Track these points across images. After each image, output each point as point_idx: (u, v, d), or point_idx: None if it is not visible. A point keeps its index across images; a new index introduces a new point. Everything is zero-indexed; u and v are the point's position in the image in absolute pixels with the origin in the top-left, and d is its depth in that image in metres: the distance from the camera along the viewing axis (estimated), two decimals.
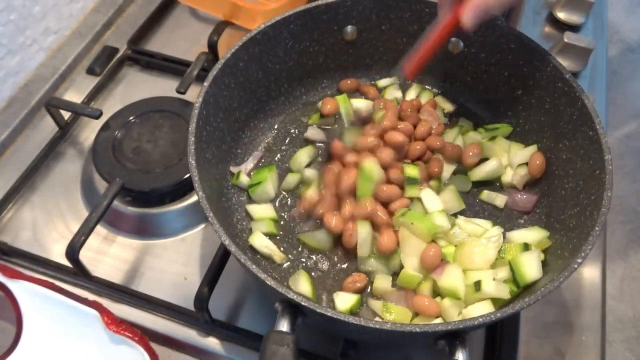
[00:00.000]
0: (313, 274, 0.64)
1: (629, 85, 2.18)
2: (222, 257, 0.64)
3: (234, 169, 0.71)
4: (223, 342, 0.65)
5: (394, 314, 0.59)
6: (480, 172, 0.71)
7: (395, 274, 0.63)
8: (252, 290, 0.68)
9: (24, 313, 0.63)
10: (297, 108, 0.79)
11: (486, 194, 0.70)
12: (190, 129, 0.60)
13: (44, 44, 0.90)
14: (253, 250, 0.66)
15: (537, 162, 0.69)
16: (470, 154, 0.71)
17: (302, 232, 0.67)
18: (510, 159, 0.72)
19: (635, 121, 2.06)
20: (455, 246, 0.63)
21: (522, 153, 0.71)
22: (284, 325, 0.49)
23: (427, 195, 0.67)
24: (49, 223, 0.74)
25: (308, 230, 0.67)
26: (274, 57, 0.72)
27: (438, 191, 0.68)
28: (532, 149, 0.71)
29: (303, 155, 0.73)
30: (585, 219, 0.58)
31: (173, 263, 0.71)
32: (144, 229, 0.73)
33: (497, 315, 0.49)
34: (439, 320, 0.59)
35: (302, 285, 0.62)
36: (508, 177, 0.71)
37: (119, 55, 0.93)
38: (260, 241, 0.65)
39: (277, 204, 0.70)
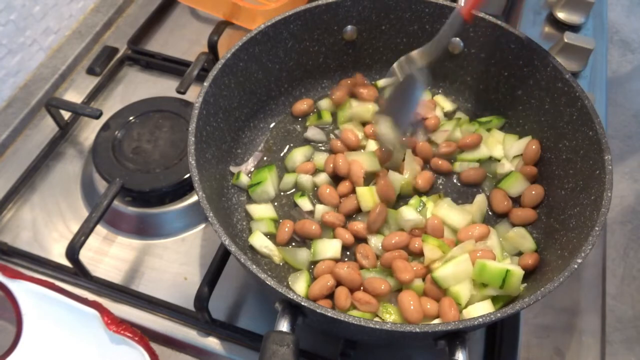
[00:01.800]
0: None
1: (629, 85, 2.18)
2: (222, 257, 0.64)
3: (234, 169, 0.71)
4: (223, 342, 0.65)
5: (393, 315, 0.59)
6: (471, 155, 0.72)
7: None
8: (252, 290, 0.68)
9: (24, 313, 0.63)
10: None
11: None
12: (190, 129, 0.60)
13: (44, 44, 0.90)
14: (253, 250, 0.66)
15: (533, 147, 0.70)
16: (468, 140, 0.72)
17: (282, 247, 0.66)
18: (505, 151, 0.73)
19: (635, 121, 2.06)
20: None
21: (518, 144, 0.72)
22: (284, 325, 0.49)
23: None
24: (49, 223, 0.74)
25: (292, 246, 0.66)
26: (274, 57, 0.72)
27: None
28: (527, 139, 0.71)
29: (298, 154, 0.73)
30: (585, 219, 0.58)
31: (173, 263, 0.71)
32: (144, 229, 0.73)
33: (497, 315, 0.49)
34: (438, 320, 0.59)
35: (301, 285, 0.62)
36: (503, 169, 0.71)
37: (119, 55, 0.93)
38: (260, 241, 0.65)
39: (276, 204, 0.70)
